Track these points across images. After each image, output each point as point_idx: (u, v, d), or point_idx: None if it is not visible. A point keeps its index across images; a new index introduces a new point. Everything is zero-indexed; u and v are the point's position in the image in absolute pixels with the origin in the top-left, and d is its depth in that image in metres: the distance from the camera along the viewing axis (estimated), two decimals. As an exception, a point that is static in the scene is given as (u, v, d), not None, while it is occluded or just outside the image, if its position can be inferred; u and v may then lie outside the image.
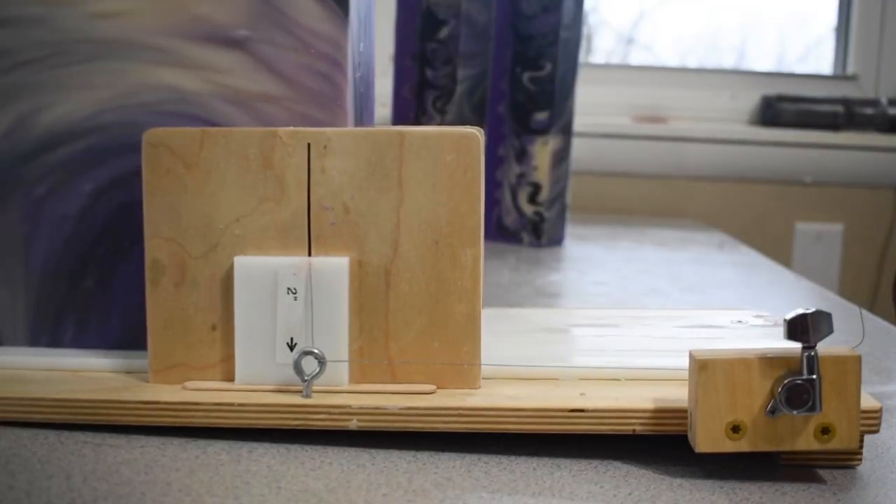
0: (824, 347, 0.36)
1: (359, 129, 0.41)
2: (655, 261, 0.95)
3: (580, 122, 1.16)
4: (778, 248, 1.37)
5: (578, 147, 1.14)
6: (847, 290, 1.38)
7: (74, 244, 0.45)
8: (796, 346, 0.36)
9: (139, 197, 0.42)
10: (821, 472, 0.38)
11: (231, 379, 0.41)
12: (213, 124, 0.43)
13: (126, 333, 0.45)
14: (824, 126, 1.37)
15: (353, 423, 0.39)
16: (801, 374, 0.35)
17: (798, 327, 0.35)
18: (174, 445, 0.38)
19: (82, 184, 0.44)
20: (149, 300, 0.41)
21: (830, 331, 0.35)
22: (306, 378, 0.39)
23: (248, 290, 0.40)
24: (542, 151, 1.00)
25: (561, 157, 1.01)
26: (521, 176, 1.01)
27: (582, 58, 1.07)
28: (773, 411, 0.36)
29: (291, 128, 0.41)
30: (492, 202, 1.03)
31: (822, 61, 1.53)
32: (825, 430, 0.36)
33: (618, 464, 0.38)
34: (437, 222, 0.40)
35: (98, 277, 0.45)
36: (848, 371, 0.36)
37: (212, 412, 0.39)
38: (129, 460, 0.37)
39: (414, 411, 0.39)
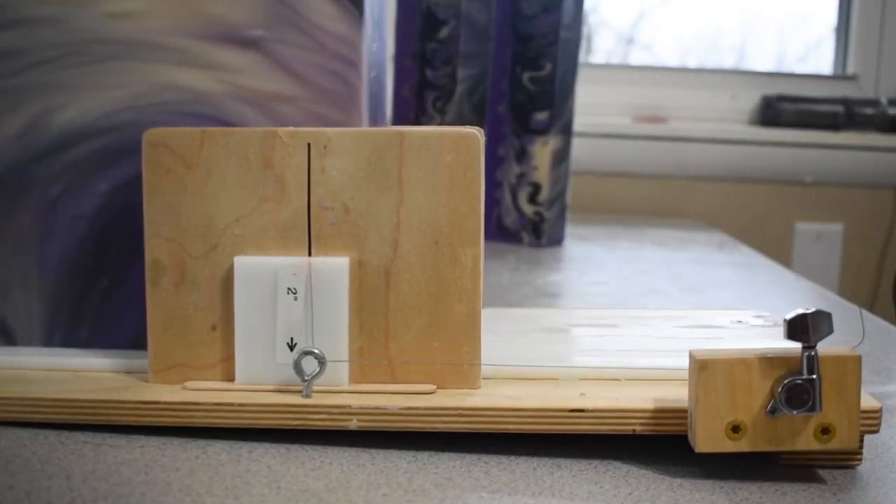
0: (824, 347, 0.36)
1: (359, 129, 0.41)
2: (655, 261, 0.95)
3: (580, 122, 1.16)
4: (778, 248, 1.37)
5: (578, 147, 1.14)
6: (847, 290, 1.38)
7: (89, 244, 0.45)
8: (796, 346, 0.36)
9: None
10: (821, 472, 0.38)
11: (231, 379, 0.41)
12: (228, 124, 0.43)
13: (141, 333, 0.45)
14: (824, 126, 1.37)
15: (353, 423, 0.39)
16: (801, 374, 0.35)
17: (798, 327, 0.35)
18: (174, 445, 0.38)
19: (96, 184, 0.44)
20: (149, 300, 0.41)
21: (830, 331, 0.35)
22: (306, 378, 0.39)
23: (248, 290, 0.40)
24: (542, 151, 1.00)
25: (561, 157, 1.01)
26: (521, 176, 1.01)
27: (582, 58, 1.07)
28: (773, 411, 0.36)
29: (291, 128, 0.41)
30: (492, 202, 1.03)
31: (822, 61, 1.53)
32: (825, 430, 0.36)
33: (618, 464, 0.38)
34: (437, 222, 0.40)
35: (112, 277, 0.45)
36: (848, 371, 0.36)
37: (212, 412, 0.39)
38: (129, 460, 0.37)
39: (414, 411, 0.39)
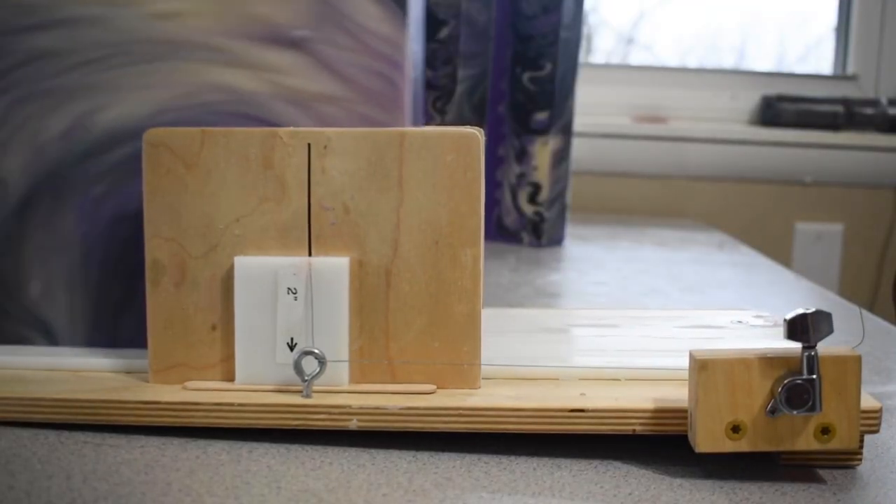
0: (824, 347, 0.36)
1: (359, 129, 0.41)
2: (655, 261, 0.95)
3: (580, 122, 1.16)
4: (778, 248, 1.37)
5: (578, 147, 1.14)
6: (847, 290, 1.38)
7: (132, 244, 0.45)
8: (796, 346, 0.36)
9: None
10: (821, 472, 0.38)
11: (231, 379, 0.41)
12: (272, 125, 0.43)
13: None
14: (824, 126, 1.37)
15: (353, 423, 0.39)
16: (801, 374, 0.35)
17: (798, 327, 0.35)
18: (174, 445, 0.38)
19: (140, 184, 0.44)
20: (149, 300, 0.41)
21: (830, 331, 0.35)
22: (306, 378, 0.39)
23: (249, 290, 0.40)
24: (542, 151, 1.00)
25: (561, 157, 1.01)
26: (521, 176, 1.01)
27: (582, 58, 1.07)
28: (773, 411, 0.36)
29: (291, 128, 0.41)
30: (492, 202, 1.03)
31: (822, 61, 1.53)
32: (825, 430, 0.36)
33: (618, 464, 0.38)
34: (438, 222, 0.40)
35: None
36: (848, 371, 0.36)
37: (212, 412, 0.39)
38: (129, 460, 0.37)
39: (414, 411, 0.39)
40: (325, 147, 0.40)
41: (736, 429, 0.36)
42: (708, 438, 0.36)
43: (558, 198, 1.02)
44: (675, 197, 1.39)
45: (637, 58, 1.58)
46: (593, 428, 0.38)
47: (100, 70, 0.44)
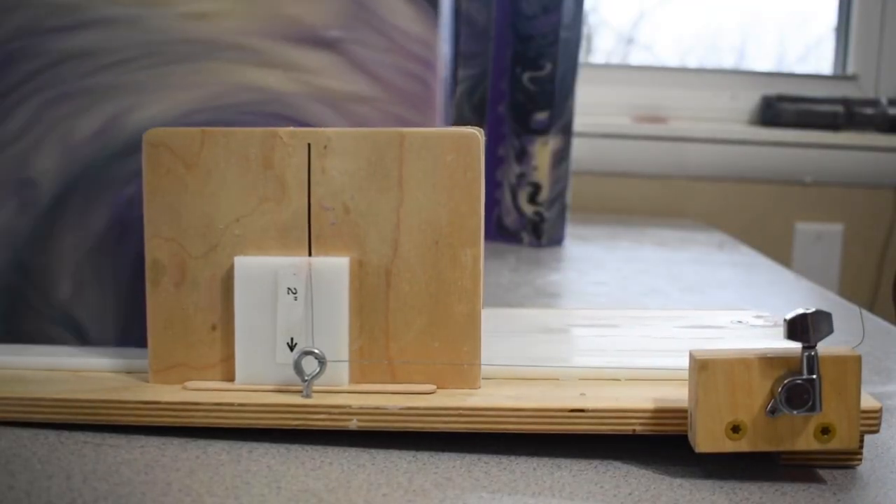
0: (824, 347, 0.36)
1: (359, 129, 0.41)
2: (655, 261, 0.95)
3: (580, 122, 1.16)
4: (778, 248, 1.37)
5: (578, 147, 1.14)
6: (847, 290, 1.38)
7: None
8: (796, 346, 0.36)
9: None
10: (821, 472, 0.38)
11: (231, 379, 0.41)
12: (305, 125, 0.43)
13: None
14: (824, 126, 1.37)
15: (353, 423, 0.39)
16: (801, 374, 0.35)
17: (798, 327, 0.35)
18: (174, 445, 0.38)
19: None
20: (149, 300, 0.41)
21: (830, 331, 0.35)
22: (306, 378, 0.39)
23: (249, 290, 0.40)
24: (542, 151, 1.00)
25: (561, 157, 1.01)
26: (521, 176, 1.01)
27: (582, 58, 1.07)
28: (773, 411, 0.36)
29: (291, 128, 0.41)
30: (492, 202, 1.03)
31: (822, 61, 1.53)
32: (825, 430, 0.36)
33: (618, 464, 0.38)
34: (438, 222, 0.40)
35: None
36: (848, 371, 0.36)
37: (212, 412, 0.39)
38: (129, 460, 0.37)
39: (414, 411, 0.39)
40: (325, 147, 0.40)
41: (736, 429, 0.36)
42: (708, 438, 0.36)
43: (558, 198, 1.02)
44: (675, 197, 1.39)
45: (637, 58, 1.58)
46: (593, 428, 0.38)
47: (132, 70, 0.44)
